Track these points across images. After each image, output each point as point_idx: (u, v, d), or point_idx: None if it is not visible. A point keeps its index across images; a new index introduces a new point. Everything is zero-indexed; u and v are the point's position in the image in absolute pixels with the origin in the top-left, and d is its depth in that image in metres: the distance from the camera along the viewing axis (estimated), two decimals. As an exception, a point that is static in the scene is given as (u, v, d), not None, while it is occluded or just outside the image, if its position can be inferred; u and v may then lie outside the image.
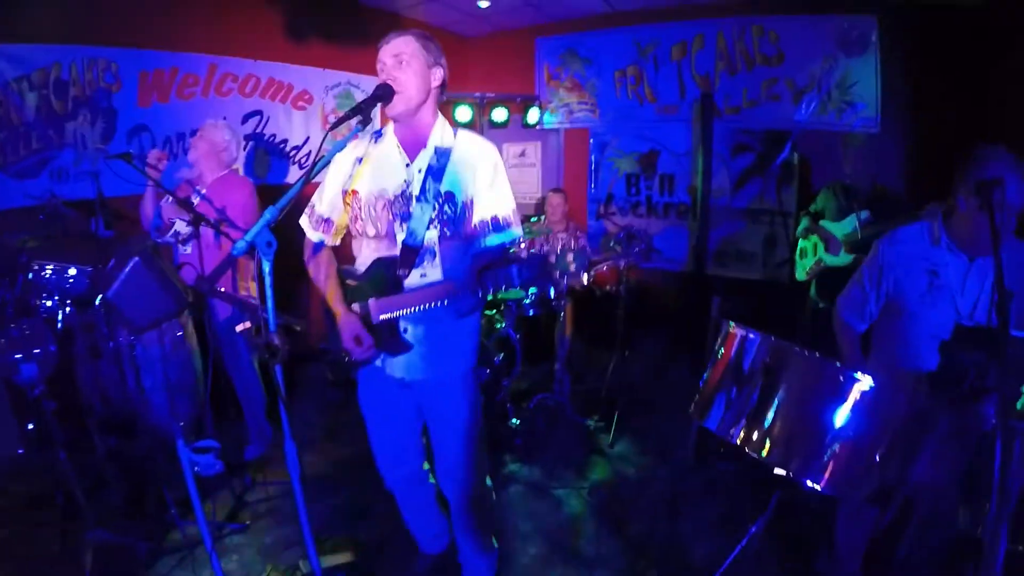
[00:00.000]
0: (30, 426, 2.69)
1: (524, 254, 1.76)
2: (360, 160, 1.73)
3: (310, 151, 4.61)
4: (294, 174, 4.55)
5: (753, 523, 1.80)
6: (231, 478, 2.81)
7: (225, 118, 3.53)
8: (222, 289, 2.57)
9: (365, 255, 1.75)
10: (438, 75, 1.68)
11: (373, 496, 2.51)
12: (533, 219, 4.61)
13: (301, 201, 1.44)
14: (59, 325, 2.55)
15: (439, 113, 1.75)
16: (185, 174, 2.92)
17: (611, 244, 4.02)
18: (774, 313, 3.72)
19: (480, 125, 4.99)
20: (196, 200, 2.66)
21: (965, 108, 3.96)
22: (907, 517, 1.93)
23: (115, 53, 3.44)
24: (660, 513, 2.70)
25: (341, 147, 1.52)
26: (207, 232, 2.61)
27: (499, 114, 5.05)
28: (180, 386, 2.69)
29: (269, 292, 1.23)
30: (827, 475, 1.43)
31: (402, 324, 1.72)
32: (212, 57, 3.91)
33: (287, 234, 1.47)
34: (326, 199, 1.79)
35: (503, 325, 3.48)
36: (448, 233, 1.68)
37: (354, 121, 1.49)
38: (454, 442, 1.87)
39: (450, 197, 1.67)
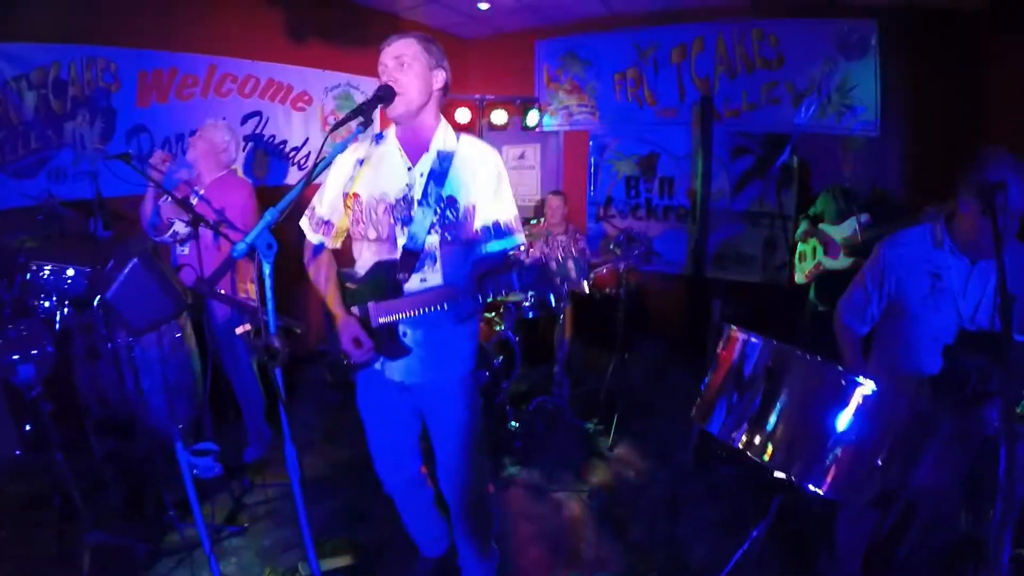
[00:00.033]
0: (27, 427, 2.67)
1: (524, 257, 1.75)
2: (361, 162, 1.72)
3: (309, 152, 4.61)
4: (293, 175, 4.54)
5: (754, 526, 1.80)
6: (229, 480, 2.80)
7: (224, 119, 3.52)
8: (222, 291, 2.56)
9: (365, 258, 1.74)
10: (440, 78, 1.67)
11: (372, 498, 2.49)
12: (532, 221, 4.61)
13: (301, 203, 1.44)
14: (57, 326, 2.53)
15: (442, 117, 1.74)
16: (184, 175, 2.92)
17: (611, 247, 4.02)
18: (773, 316, 3.72)
19: (479, 127, 5.00)
20: (194, 200, 2.65)
21: (964, 112, 3.97)
22: (909, 519, 1.92)
23: (114, 53, 3.43)
24: (660, 516, 2.69)
25: (342, 148, 1.51)
26: (206, 233, 2.59)
27: (498, 116, 5.06)
28: (179, 388, 2.68)
29: (269, 294, 1.21)
30: (829, 479, 1.42)
31: (401, 328, 1.72)
32: (211, 57, 3.90)
33: (286, 236, 1.46)
34: (326, 201, 1.77)
35: (502, 327, 3.48)
36: (449, 238, 1.67)
37: (355, 123, 1.47)
38: (454, 446, 1.86)
39: (452, 202, 1.66)
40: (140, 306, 1.93)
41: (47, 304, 2.55)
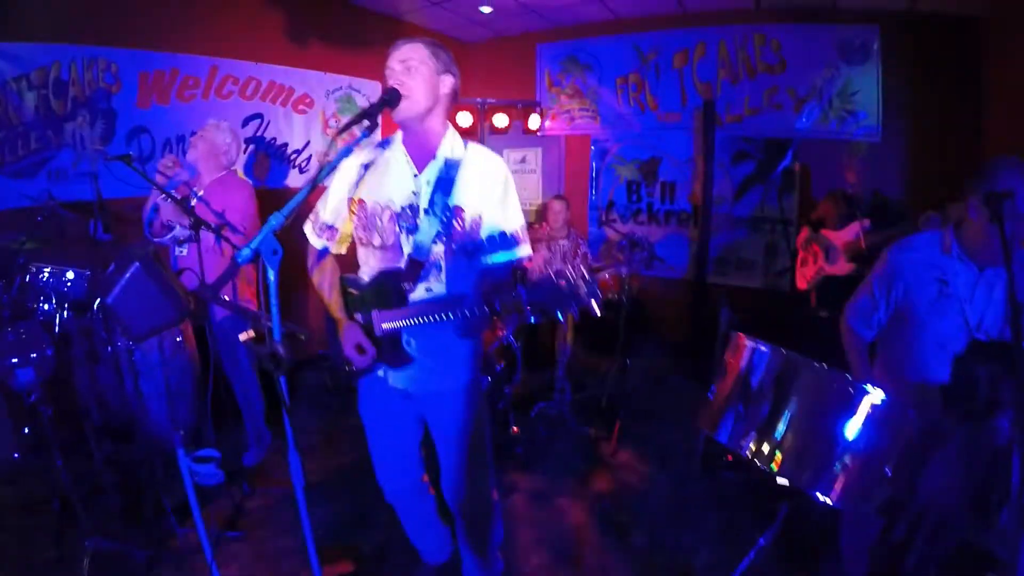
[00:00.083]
0: (26, 431, 2.66)
1: (527, 262, 1.73)
2: (366, 167, 1.69)
3: (310, 155, 4.60)
4: (294, 178, 4.53)
5: (757, 532, 1.78)
6: (229, 484, 2.78)
7: (226, 120, 3.50)
8: (225, 297, 2.54)
9: (370, 265, 1.72)
10: (447, 83, 1.63)
11: (374, 504, 2.47)
12: (533, 224, 4.59)
13: (304, 207, 1.42)
14: (56, 329, 2.52)
15: (449, 124, 1.70)
16: (184, 176, 2.90)
17: (614, 251, 4.01)
18: (775, 322, 3.72)
19: (481, 131, 4.98)
20: (193, 201, 2.63)
21: (966, 117, 3.98)
22: (917, 528, 1.91)
23: (115, 53, 3.41)
24: (664, 522, 2.68)
25: (347, 152, 1.49)
26: (206, 235, 2.57)
27: (500, 120, 5.04)
28: (179, 392, 2.66)
29: (274, 301, 1.19)
30: (838, 488, 1.41)
31: (404, 336, 1.69)
32: (213, 59, 3.89)
33: (288, 238, 1.44)
34: (330, 206, 1.75)
35: (504, 332, 3.46)
36: (455, 248, 1.64)
37: (359, 127, 1.44)
38: (457, 454, 1.84)
39: (458, 211, 1.63)
40: (141, 312, 1.91)
41: (46, 307, 2.53)
